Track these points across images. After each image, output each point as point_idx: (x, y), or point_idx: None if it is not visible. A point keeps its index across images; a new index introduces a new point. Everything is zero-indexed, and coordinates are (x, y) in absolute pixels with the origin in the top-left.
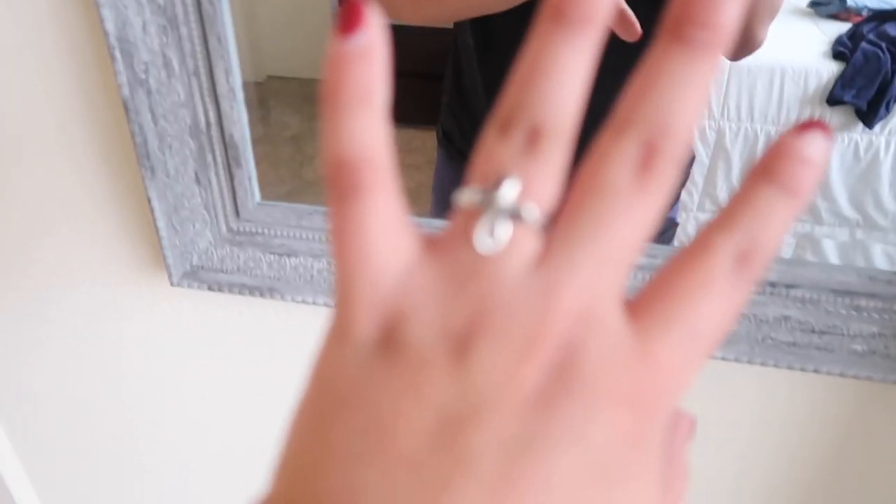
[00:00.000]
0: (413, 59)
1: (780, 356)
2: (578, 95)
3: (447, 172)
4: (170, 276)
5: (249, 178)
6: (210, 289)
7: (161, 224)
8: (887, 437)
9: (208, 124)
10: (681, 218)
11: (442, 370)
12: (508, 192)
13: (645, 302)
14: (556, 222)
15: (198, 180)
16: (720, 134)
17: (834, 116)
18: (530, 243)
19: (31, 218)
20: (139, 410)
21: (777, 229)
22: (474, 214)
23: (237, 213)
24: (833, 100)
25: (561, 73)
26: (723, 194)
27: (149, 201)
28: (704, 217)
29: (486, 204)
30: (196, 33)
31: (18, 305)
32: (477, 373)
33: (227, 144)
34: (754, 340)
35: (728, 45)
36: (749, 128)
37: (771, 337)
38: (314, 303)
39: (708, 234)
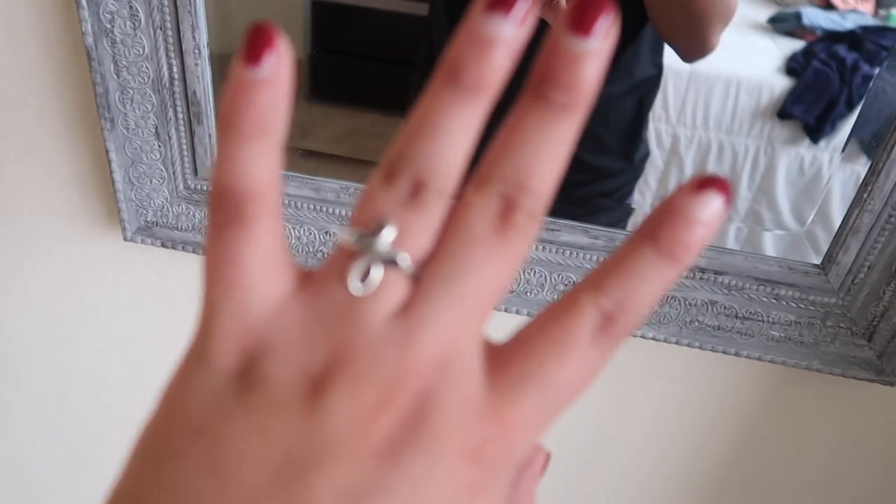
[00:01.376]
0: (388, 44)
1: (705, 338)
2: (464, 155)
3: None
4: (123, 230)
5: (209, 136)
6: (164, 245)
7: (118, 177)
8: (798, 417)
9: (172, 79)
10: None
11: (294, 411)
12: (385, 238)
13: (506, 355)
14: (420, 274)
15: (157, 135)
16: (675, 139)
17: (784, 130)
18: (399, 290)
19: None
20: (85, 363)
21: (650, 295)
22: (352, 256)
23: (195, 170)
24: (783, 113)
25: (449, 133)
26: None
27: (107, 153)
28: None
29: (364, 247)
30: None
31: None
32: (328, 418)
33: (190, 101)
34: (683, 322)
35: (588, 107)
36: (703, 135)
37: (698, 320)
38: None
39: (577, 293)
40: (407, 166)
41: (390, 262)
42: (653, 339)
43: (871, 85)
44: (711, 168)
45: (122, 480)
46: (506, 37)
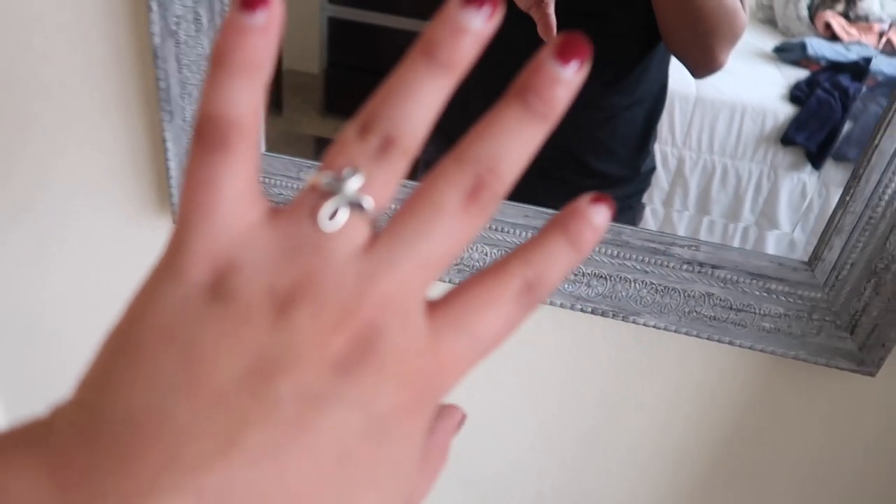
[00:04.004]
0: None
1: (702, 328)
2: (430, 121)
3: (432, 148)
4: (173, 214)
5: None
6: None
7: (172, 164)
8: (785, 403)
9: None
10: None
11: (262, 321)
12: (354, 183)
13: (445, 304)
14: (389, 222)
15: None
16: (680, 161)
17: (787, 156)
18: (362, 231)
19: (47, 147)
20: None
21: (559, 272)
22: (323, 195)
23: None
24: (786, 140)
25: (420, 100)
26: (678, 220)
27: (164, 143)
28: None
29: (334, 189)
30: None
31: (30, 227)
32: (291, 330)
33: None
34: (682, 312)
35: (557, 120)
36: (708, 158)
37: (696, 310)
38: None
39: (508, 262)
40: (379, 123)
41: (356, 206)
42: (654, 327)
43: (856, 104)
44: (716, 193)
45: (89, 375)
46: (475, 28)
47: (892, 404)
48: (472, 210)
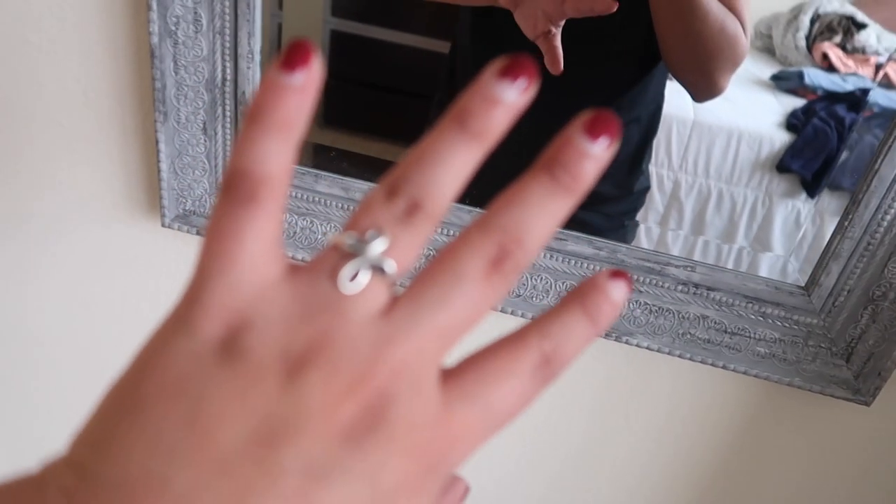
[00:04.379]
0: (401, 77)
1: (695, 350)
2: (457, 189)
3: None
4: (162, 216)
5: None
6: (199, 233)
7: (164, 166)
8: (778, 430)
9: (224, 80)
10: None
11: (272, 384)
12: (378, 246)
13: (459, 374)
14: (409, 287)
15: (205, 130)
16: (676, 185)
17: (782, 183)
18: (382, 295)
19: (44, 143)
20: (114, 341)
21: (577, 346)
22: (345, 256)
23: None
24: (782, 167)
25: (451, 166)
26: (672, 240)
27: (157, 143)
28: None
29: (358, 250)
30: None
31: (22, 226)
32: (302, 394)
33: (238, 100)
34: (676, 334)
35: (583, 195)
36: (704, 183)
37: (690, 332)
38: (292, 257)
39: (525, 333)
40: (407, 187)
41: (378, 269)
42: (647, 348)
43: (853, 135)
44: (710, 217)
45: (87, 430)
46: (509, 100)
47: (885, 435)
48: (493, 280)
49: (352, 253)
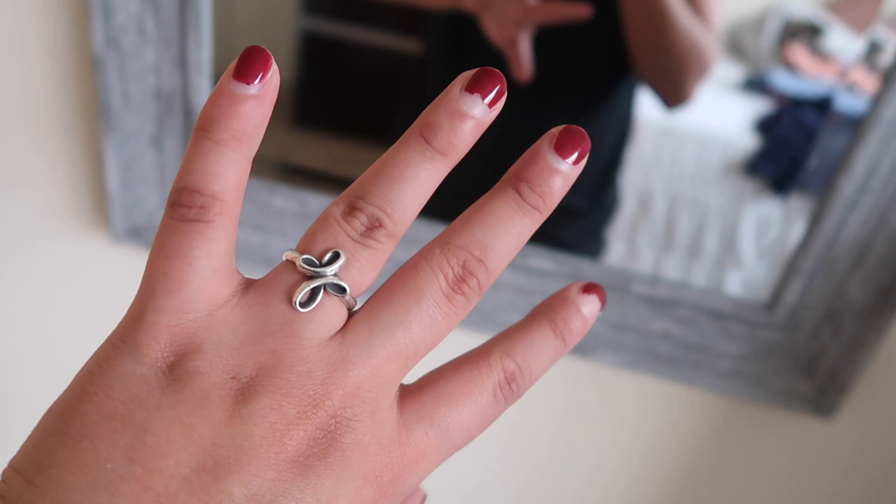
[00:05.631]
0: (373, 78)
1: (659, 366)
2: (419, 206)
3: None
4: (111, 232)
5: None
6: (148, 248)
7: (111, 180)
8: (743, 445)
9: (172, 91)
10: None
11: (219, 410)
12: (335, 266)
13: (417, 393)
14: (366, 305)
15: (153, 142)
16: (646, 189)
17: (750, 185)
18: (338, 316)
19: None
20: (60, 360)
21: (542, 364)
22: (300, 275)
23: None
24: (751, 170)
25: (414, 183)
26: (642, 243)
27: (103, 156)
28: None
29: (314, 270)
30: (175, 5)
31: None
32: (251, 421)
33: (187, 112)
34: (640, 350)
35: (548, 214)
36: (673, 187)
37: (654, 349)
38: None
39: (488, 350)
40: (368, 203)
41: (335, 288)
42: (610, 364)
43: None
44: (679, 222)
45: (23, 454)
46: (477, 115)
47: (849, 449)
48: (454, 301)
49: (307, 272)
